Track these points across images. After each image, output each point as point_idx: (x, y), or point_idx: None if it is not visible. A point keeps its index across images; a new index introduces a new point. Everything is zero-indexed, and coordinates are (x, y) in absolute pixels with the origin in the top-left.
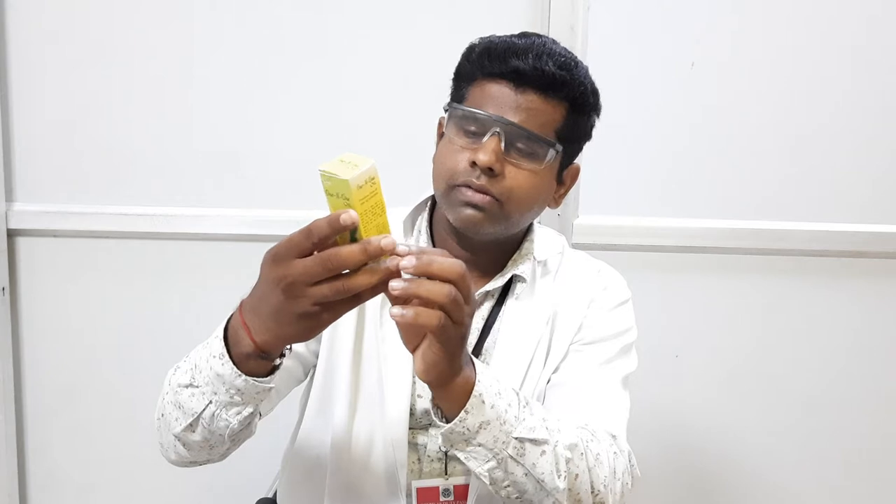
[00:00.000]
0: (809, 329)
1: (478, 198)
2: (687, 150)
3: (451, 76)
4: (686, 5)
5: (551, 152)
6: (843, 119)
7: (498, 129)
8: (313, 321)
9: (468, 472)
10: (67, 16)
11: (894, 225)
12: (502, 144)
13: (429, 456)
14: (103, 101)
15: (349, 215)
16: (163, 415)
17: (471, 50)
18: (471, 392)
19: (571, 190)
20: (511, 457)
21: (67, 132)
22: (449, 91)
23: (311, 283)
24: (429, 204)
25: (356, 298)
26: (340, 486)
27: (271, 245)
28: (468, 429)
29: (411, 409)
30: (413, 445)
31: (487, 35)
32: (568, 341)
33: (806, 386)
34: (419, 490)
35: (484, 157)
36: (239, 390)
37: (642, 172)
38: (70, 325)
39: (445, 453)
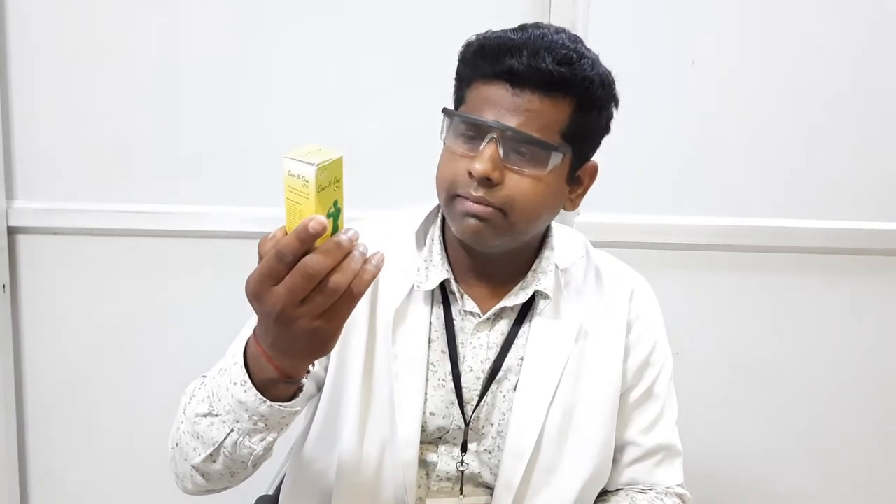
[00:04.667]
0: (813, 327)
1: (477, 208)
2: (687, 148)
3: (449, 75)
4: (686, 3)
5: (555, 155)
6: (846, 116)
7: (494, 136)
8: (323, 334)
9: (486, 492)
10: (67, 15)
11: None
12: (500, 151)
13: (438, 475)
14: (103, 98)
15: (317, 221)
16: (177, 444)
17: (466, 49)
18: None
19: None
20: None
21: (68, 130)
22: (449, 88)
23: (301, 301)
24: (440, 213)
25: (351, 295)
26: (347, 502)
27: None
28: None
29: (423, 427)
30: (422, 462)
31: (483, 32)
32: (605, 370)
33: (809, 383)
34: None
35: (479, 167)
36: (263, 416)
37: (642, 170)
38: (70, 322)
39: (462, 473)
